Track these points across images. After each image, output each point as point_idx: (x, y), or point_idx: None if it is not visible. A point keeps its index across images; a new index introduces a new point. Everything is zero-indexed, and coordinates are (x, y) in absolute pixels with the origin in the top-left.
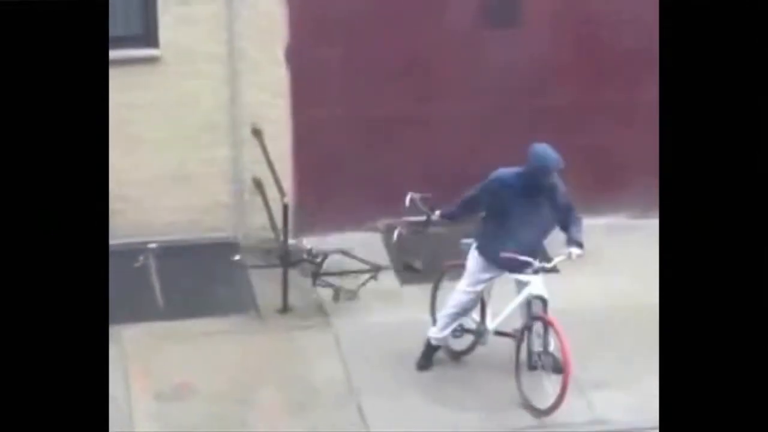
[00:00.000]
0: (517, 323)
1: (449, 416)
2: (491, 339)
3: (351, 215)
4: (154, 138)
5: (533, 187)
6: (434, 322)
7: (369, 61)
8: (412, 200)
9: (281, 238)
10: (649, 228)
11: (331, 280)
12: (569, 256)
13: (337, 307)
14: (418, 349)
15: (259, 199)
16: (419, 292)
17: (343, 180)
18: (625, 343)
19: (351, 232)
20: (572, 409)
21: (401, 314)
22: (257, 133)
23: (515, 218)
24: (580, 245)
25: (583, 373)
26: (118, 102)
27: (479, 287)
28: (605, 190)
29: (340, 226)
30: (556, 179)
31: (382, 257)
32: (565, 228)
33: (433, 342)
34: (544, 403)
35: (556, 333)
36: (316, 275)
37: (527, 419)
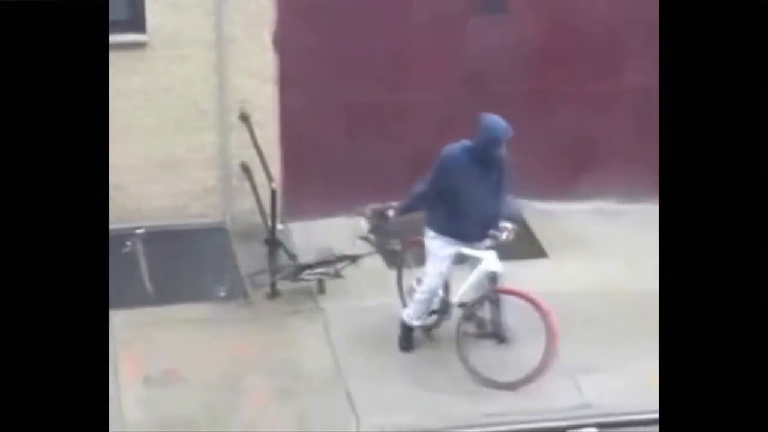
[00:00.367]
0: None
1: (439, 399)
2: (455, 312)
3: (338, 200)
4: (142, 124)
5: (485, 159)
6: (404, 303)
7: (357, 48)
8: (372, 211)
9: (269, 223)
10: (636, 213)
11: (312, 273)
12: (508, 231)
13: (325, 292)
14: None
15: (246, 185)
16: (406, 274)
17: (330, 165)
18: (613, 327)
19: (338, 217)
20: (560, 393)
21: (389, 298)
22: (245, 118)
23: (469, 192)
24: (514, 220)
25: (571, 358)
26: None
27: (444, 266)
28: (591, 175)
29: (328, 211)
30: (504, 150)
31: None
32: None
33: (410, 325)
34: (502, 376)
35: (538, 307)
36: (297, 274)
37: (520, 401)
